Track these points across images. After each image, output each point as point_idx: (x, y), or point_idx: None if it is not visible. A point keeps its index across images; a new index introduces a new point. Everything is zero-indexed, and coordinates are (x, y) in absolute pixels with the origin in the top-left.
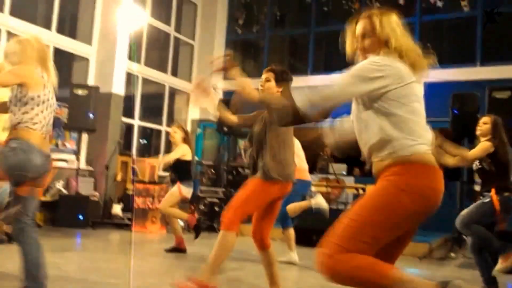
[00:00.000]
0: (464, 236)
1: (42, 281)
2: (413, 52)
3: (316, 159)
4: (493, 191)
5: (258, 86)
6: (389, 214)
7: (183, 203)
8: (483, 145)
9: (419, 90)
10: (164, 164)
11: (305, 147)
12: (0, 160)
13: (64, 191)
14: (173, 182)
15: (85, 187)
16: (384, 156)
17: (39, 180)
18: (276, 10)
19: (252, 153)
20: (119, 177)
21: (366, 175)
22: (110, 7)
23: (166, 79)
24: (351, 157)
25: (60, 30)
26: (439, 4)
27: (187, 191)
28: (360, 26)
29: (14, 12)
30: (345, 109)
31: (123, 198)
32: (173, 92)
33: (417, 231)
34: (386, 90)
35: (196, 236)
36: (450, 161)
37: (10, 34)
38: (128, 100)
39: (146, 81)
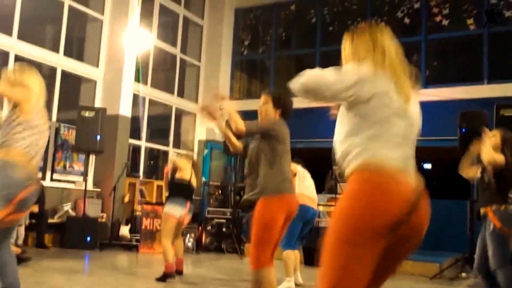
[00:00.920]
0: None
1: None
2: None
3: (324, 179)
4: (489, 209)
5: (258, 107)
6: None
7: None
8: (496, 155)
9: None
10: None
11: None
12: None
13: (72, 213)
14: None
15: (93, 209)
16: None
17: (24, 203)
18: (282, 30)
19: (247, 173)
20: (126, 199)
21: None
22: (117, 30)
23: (173, 100)
24: None
25: (68, 53)
26: (445, 22)
27: (170, 209)
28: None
29: (22, 36)
30: None
31: (131, 219)
32: (180, 113)
33: (428, 251)
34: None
35: (159, 279)
36: (471, 172)
37: (18, 58)
38: (135, 122)
39: (152, 102)
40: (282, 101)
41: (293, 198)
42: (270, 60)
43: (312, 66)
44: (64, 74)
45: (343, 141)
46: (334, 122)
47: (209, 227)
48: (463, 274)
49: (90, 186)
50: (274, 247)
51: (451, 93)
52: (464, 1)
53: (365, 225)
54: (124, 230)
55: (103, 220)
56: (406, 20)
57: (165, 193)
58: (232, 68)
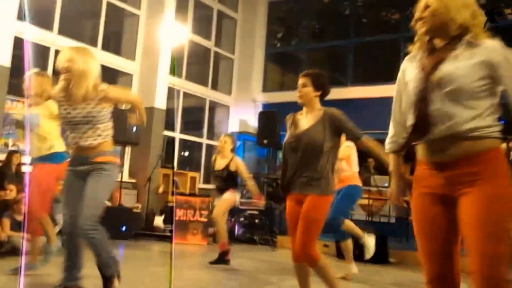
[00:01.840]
0: None
1: None
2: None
3: (358, 172)
4: None
5: (296, 93)
6: None
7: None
8: None
9: None
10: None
11: None
12: None
13: (108, 203)
14: (221, 191)
15: (128, 199)
16: None
17: None
18: (315, 23)
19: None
20: (161, 190)
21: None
22: (153, 24)
23: (207, 93)
24: None
25: (105, 47)
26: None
27: (238, 198)
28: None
29: (62, 31)
30: None
31: (165, 210)
32: (214, 106)
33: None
34: None
35: (214, 262)
36: None
37: (58, 53)
38: (170, 114)
39: (187, 95)
40: (322, 83)
41: None
42: (303, 52)
43: (345, 58)
44: (102, 67)
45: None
46: (368, 114)
47: (241, 219)
48: None
49: (125, 177)
50: None
51: None
52: None
53: None
54: (158, 221)
55: (138, 210)
56: None
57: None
58: (265, 60)
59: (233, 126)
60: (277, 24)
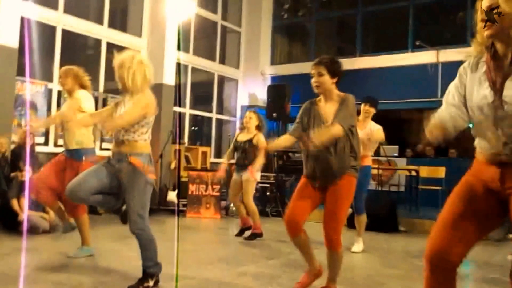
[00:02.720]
0: None
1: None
2: None
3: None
4: None
5: (312, 82)
6: None
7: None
8: None
9: None
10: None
11: None
12: None
13: None
14: (241, 167)
15: None
16: None
17: None
18: None
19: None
20: (173, 165)
21: (418, 156)
22: None
23: (215, 67)
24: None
25: (112, 24)
26: None
27: (259, 174)
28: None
29: (67, 10)
30: None
31: (178, 185)
32: (222, 80)
33: None
34: None
35: (238, 234)
36: None
37: (64, 31)
38: (179, 90)
39: (195, 69)
40: (337, 69)
41: None
42: (310, 23)
43: (353, 28)
44: (109, 45)
45: None
46: (377, 84)
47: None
48: (511, 236)
49: None
50: None
51: None
52: None
53: None
54: (172, 196)
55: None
56: None
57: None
58: (272, 32)
59: (242, 99)
60: None
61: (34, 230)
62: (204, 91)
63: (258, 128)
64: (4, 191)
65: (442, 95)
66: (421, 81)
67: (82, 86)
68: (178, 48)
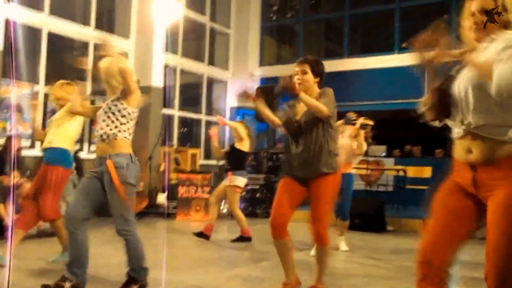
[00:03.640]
0: None
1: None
2: None
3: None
4: None
5: (295, 79)
6: None
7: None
8: None
9: None
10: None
11: None
12: None
13: None
14: (225, 171)
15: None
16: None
17: None
18: None
19: (301, 146)
20: (162, 168)
21: (405, 156)
22: (146, 1)
23: (204, 69)
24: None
25: (99, 26)
26: None
27: (239, 180)
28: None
29: (53, 12)
30: None
31: (167, 187)
32: (211, 81)
33: None
34: None
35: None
36: None
37: (50, 34)
38: (167, 92)
39: (183, 71)
40: (320, 69)
41: None
42: (299, 24)
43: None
44: (96, 47)
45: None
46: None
47: (243, 193)
48: None
49: None
50: None
51: None
52: None
53: None
54: (161, 198)
55: (141, 189)
56: None
57: (218, 159)
58: (261, 34)
59: (232, 101)
60: None
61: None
62: (193, 93)
63: (248, 135)
64: None
65: None
66: (407, 82)
67: None
68: (166, 50)
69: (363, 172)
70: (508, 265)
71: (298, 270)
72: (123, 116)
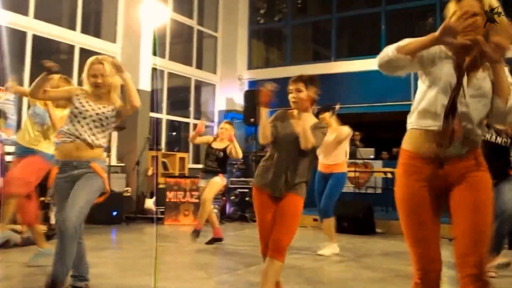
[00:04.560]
0: None
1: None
2: None
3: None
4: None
5: (290, 97)
6: None
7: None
8: None
9: None
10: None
11: None
12: None
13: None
14: (210, 173)
15: (118, 183)
16: None
17: None
18: None
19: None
20: (150, 172)
21: (393, 158)
22: (133, 4)
23: (192, 72)
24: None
25: (85, 29)
26: None
27: (225, 183)
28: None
29: (38, 15)
30: None
31: (155, 192)
32: (199, 85)
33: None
34: None
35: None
36: None
37: (35, 37)
38: (155, 95)
39: (171, 75)
40: (316, 87)
41: None
42: (286, 28)
43: (329, 33)
44: (83, 51)
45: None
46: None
47: (232, 197)
48: None
49: (114, 161)
50: None
51: None
52: None
53: None
54: (149, 203)
55: (128, 194)
56: None
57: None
58: (249, 37)
59: (220, 104)
60: (259, 0)
61: (5, 244)
62: (181, 97)
63: (232, 137)
64: None
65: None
66: (395, 85)
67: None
68: (154, 53)
69: (352, 174)
70: (482, 228)
71: (290, 277)
72: (110, 127)
